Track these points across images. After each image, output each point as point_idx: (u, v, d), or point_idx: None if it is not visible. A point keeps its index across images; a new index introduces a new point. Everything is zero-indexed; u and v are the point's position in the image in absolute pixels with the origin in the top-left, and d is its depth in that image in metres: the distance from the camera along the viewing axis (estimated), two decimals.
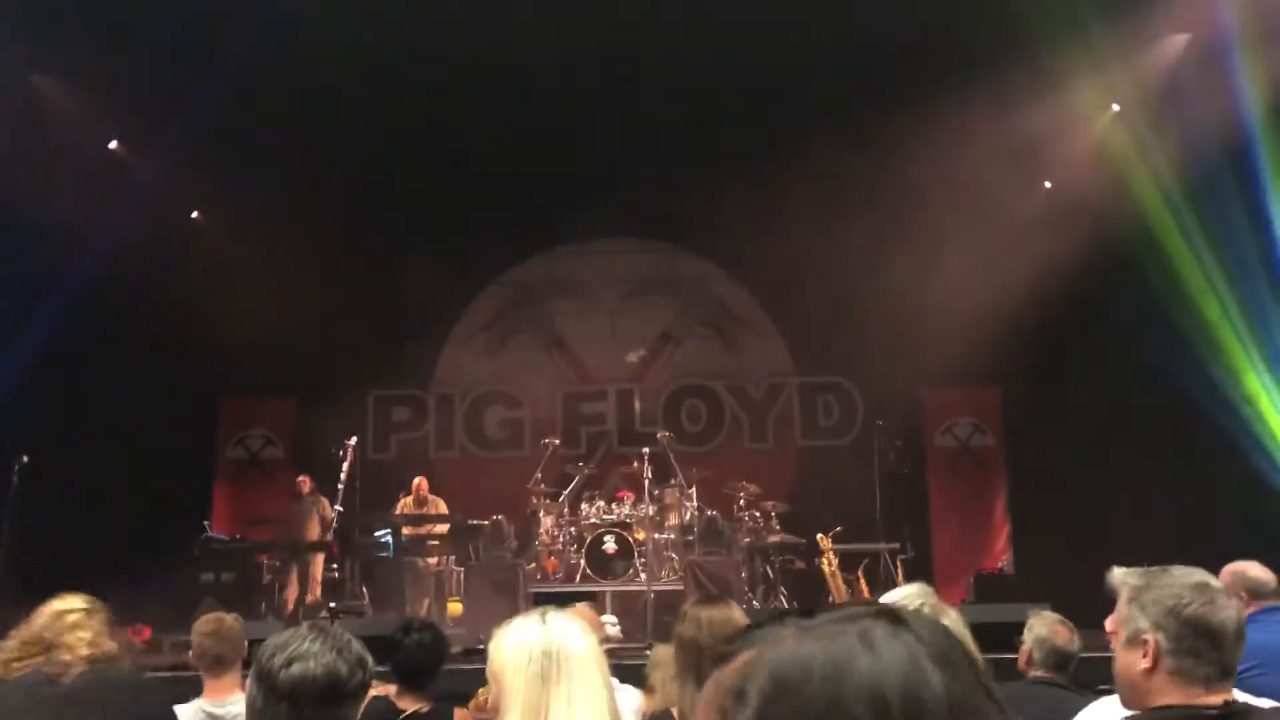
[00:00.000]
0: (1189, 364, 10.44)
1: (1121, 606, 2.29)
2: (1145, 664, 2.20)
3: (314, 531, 11.01)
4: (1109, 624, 2.34)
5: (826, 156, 10.19)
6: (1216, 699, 2.18)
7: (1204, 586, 2.24)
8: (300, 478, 11.31)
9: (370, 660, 2.30)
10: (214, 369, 12.24)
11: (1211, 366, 10.42)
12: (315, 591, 10.74)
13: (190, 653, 4.23)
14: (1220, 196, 9.95)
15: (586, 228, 13.33)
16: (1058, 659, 3.75)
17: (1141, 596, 2.25)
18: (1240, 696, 2.41)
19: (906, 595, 2.31)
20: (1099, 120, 11.02)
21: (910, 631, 0.91)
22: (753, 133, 11.37)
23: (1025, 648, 3.85)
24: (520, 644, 2.41)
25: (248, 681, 2.25)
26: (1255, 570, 4.39)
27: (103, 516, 10.67)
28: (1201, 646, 2.17)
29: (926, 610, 2.18)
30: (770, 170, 10.78)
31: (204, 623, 4.13)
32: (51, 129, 10.13)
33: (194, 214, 12.15)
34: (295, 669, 2.11)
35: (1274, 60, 9.08)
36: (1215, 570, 4.47)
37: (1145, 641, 2.20)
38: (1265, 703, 2.38)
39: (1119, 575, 2.33)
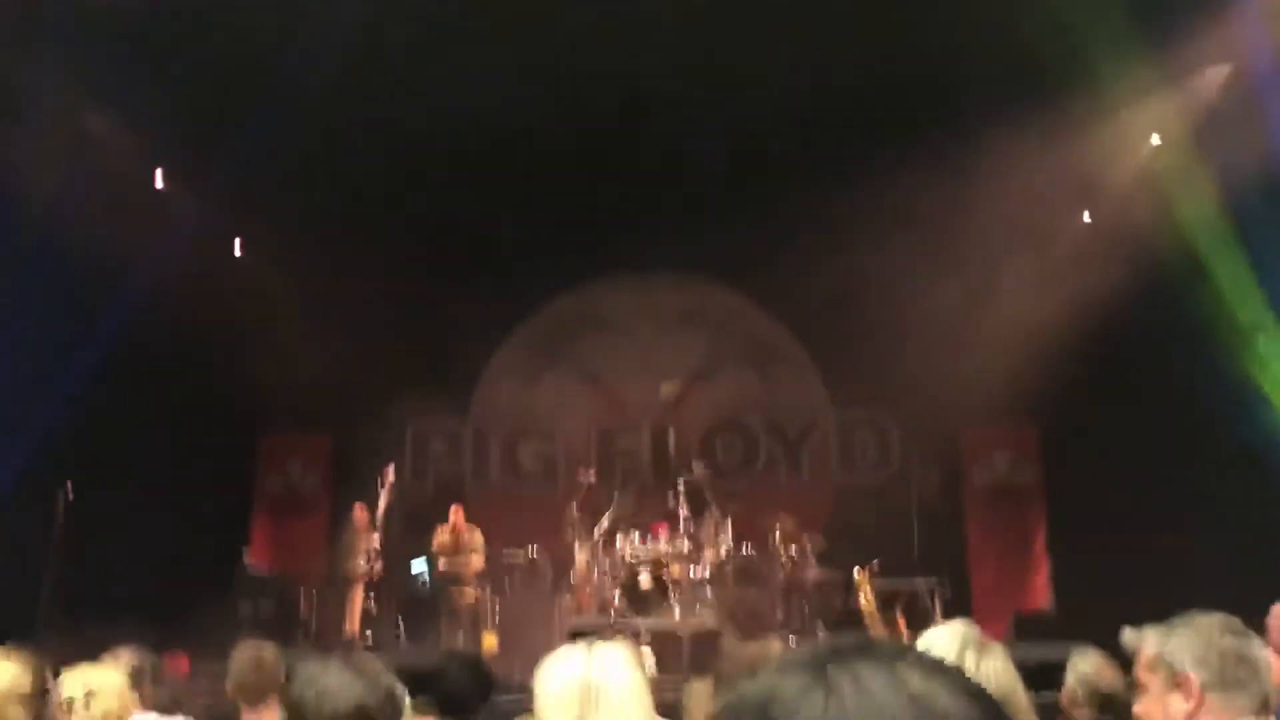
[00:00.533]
0: (1235, 401, 10.29)
1: (1149, 656, 2.28)
2: (1189, 705, 2.18)
3: (360, 564, 11.01)
4: (1140, 674, 2.32)
5: (865, 190, 10.19)
6: None
7: (1229, 621, 2.27)
8: (357, 506, 11.13)
9: (402, 692, 2.32)
10: (254, 401, 12.36)
11: (1258, 403, 10.26)
12: (354, 624, 10.74)
13: (228, 683, 4.25)
14: (1262, 227, 9.83)
15: (621, 262, 13.39)
16: (1104, 699, 3.68)
17: (1172, 641, 2.25)
18: None
19: (949, 634, 2.28)
20: (1141, 152, 10.93)
21: (904, 683, 0.82)
22: (790, 166, 11.38)
23: (1070, 687, 3.79)
24: (562, 675, 2.42)
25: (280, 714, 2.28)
26: None
27: (143, 548, 10.76)
28: (1245, 675, 2.18)
29: (970, 651, 2.15)
30: (807, 204, 10.78)
31: (242, 654, 4.15)
32: (97, 162, 10.32)
33: (236, 247, 12.31)
34: (326, 705, 2.14)
35: None
36: (1267, 605, 4.42)
37: (1187, 681, 2.19)
38: None
39: (1133, 634, 2.34)
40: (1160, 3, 8.89)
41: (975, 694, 0.84)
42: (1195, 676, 2.19)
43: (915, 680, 0.82)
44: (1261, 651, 2.23)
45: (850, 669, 0.83)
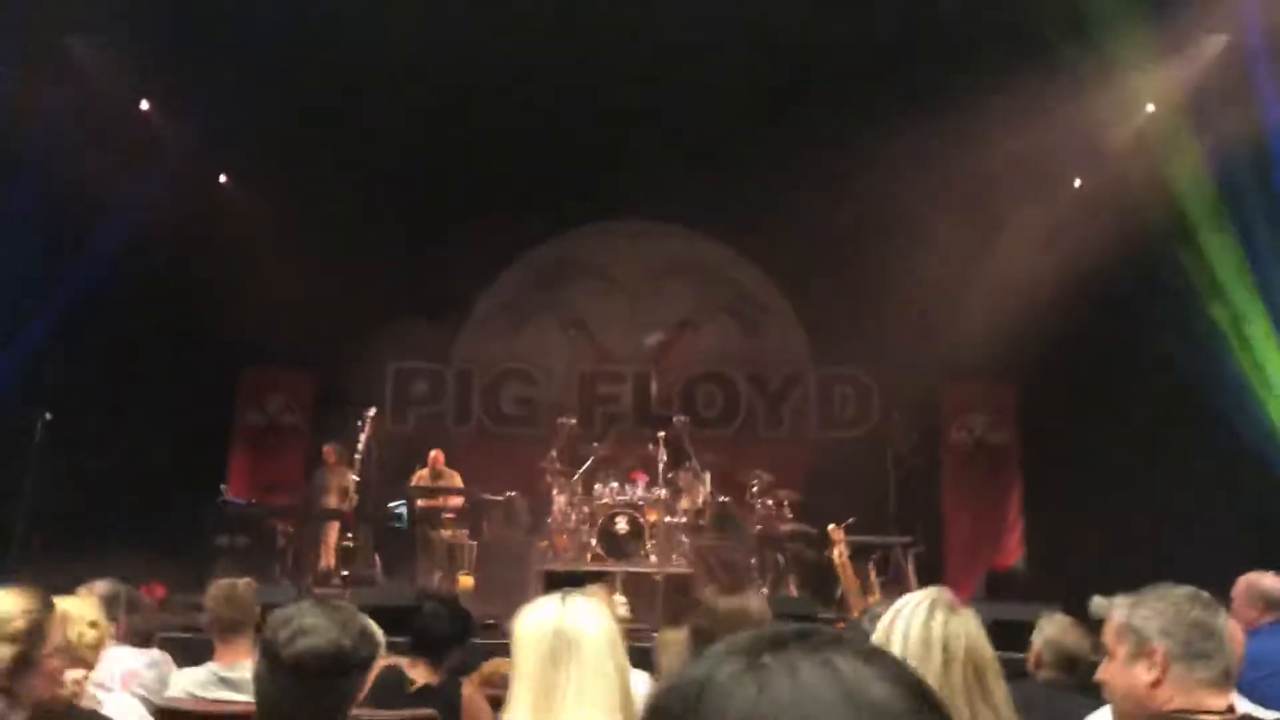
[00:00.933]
0: (1212, 366, 10.37)
1: (1117, 624, 2.30)
2: (1153, 675, 2.21)
3: (332, 501, 11.08)
4: (1108, 641, 2.35)
5: (854, 146, 10.15)
6: (1221, 703, 2.19)
7: (1197, 594, 2.29)
8: (326, 447, 11.32)
9: (378, 634, 2.33)
10: (236, 335, 12.29)
11: (1236, 368, 10.34)
12: (329, 558, 10.83)
13: (202, 615, 4.28)
14: (1250, 199, 9.85)
15: (608, 210, 13.34)
16: (1068, 661, 3.75)
17: (1139, 610, 2.28)
18: (1244, 704, 2.42)
19: (921, 595, 2.32)
20: (1132, 120, 10.91)
21: (838, 673, 0.81)
22: (778, 119, 11.31)
23: (1036, 648, 3.85)
24: (535, 623, 2.45)
25: (256, 653, 2.28)
26: (1270, 581, 4.40)
27: (122, 477, 10.76)
28: (1210, 648, 2.21)
29: (940, 612, 2.18)
30: (796, 158, 10.73)
31: (218, 588, 4.17)
32: (83, 89, 10.16)
33: (221, 179, 12.19)
34: (300, 644, 2.15)
35: None
36: (1234, 576, 4.49)
37: (1153, 651, 2.21)
38: (1270, 714, 2.39)
39: (1101, 602, 2.36)
40: None
41: (910, 683, 0.83)
42: (1161, 647, 2.21)
43: (850, 669, 0.82)
44: (1224, 619, 2.26)
45: (785, 658, 0.82)
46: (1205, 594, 2.30)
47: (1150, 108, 10.70)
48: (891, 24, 9.79)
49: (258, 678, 2.27)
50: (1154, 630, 2.23)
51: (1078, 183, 11.61)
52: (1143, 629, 2.24)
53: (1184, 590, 2.30)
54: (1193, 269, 10.41)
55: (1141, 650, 2.23)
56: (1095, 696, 2.76)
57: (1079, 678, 3.72)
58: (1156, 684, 2.20)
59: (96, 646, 3.23)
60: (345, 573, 9.01)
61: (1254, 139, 9.51)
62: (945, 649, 2.11)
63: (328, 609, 2.25)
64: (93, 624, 3.21)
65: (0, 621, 2.46)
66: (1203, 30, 9.80)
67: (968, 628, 2.18)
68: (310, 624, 2.18)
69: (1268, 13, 9.06)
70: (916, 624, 2.19)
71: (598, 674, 2.37)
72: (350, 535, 10.35)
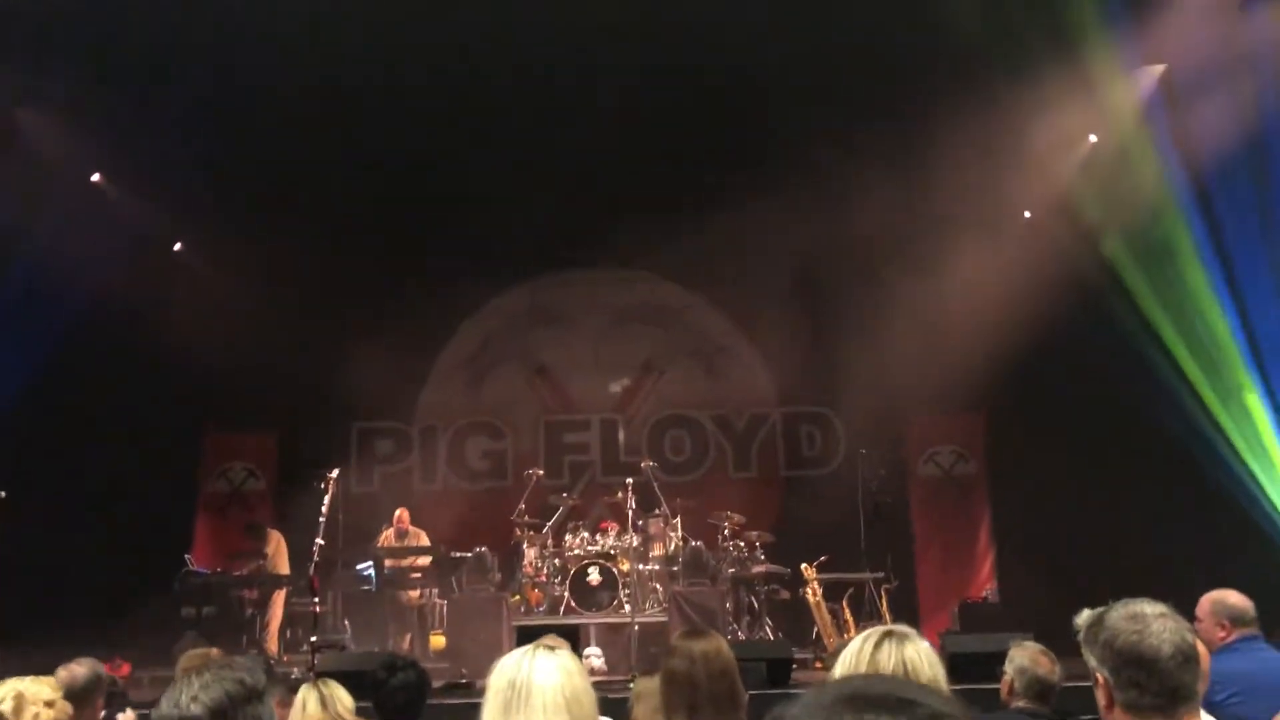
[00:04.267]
0: (1163, 393, 10.54)
1: (1083, 647, 2.30)
2: (1104, 701, 2.20)
3: (277, 570, 10.95)
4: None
5: (807, 187, 10.28)
6: None
7: (1136, 616, 2.21)
8: (271, 534, 11.22)
9: (258, 684, 2.13)
10: (197, 402, 12.19)
11: (1182, 396, 10.51)
12: (274, 626, 10.68)
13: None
14: (1191, 228, 10.07)
15: (568, 257, 13.37)
16: (1039, 689, 3.75)
17: (1088, 635, 2.26)
18: None
19: (869, 633, 2.39)
20: (1077, 150, 11.14)
21: None
22: (734, 162, 11.44)
23: (1007, 678, 3.85)
24: (496, 675, 2.51)
25: None
26: (1233, 598, 4.42)
27: (83, 550, 10.57)
28: (1140, 676, 2.14)
29: (889, 643, 2.23)
30: (751, 200, 10.84)
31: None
32: (34, 160, 10.12)
33: (176, 246, 12.12)
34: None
35: (1245, 95, 9.21)
36: (1198, 597, 4.51)
37: (1098, 679, 2.21)
38: None
39: (1082, 618, 2.34)
40: (1099, 4, 9.05)
41: None
42: (1101, 675, 2.20)
43: None
44: (1158, 640, 2.16)
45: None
46: (1152, 612, 2.21)
47: (1093, 138, 10.94)
48: (847, 68, 9.95)
49: None
50: (1094, 659, 2.21)
51: (1027, 214, 11.81)
52: (1087, 657, 2.24)
53: (1127, 611, 2.22)
54: (1140, 296, 10.60)
55: (1092, 676, 2.24)
56: None
57: (1052, 705, 3.73)
58: (1109, 708, 2.20)
59: None
60: (314, 639, 8.84)
61: (1195, 164, 9.74)
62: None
63: (203, 675, 2.07)
64: (49, 704, 3.15)
65: None
66: (1141, 60, 10.06)
67: (917, 656, 2.21)
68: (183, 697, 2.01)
69: (1202, 43, 9.30)
70: (866, 653, 2.23)
71: None
72: (317, 600, 10.18)
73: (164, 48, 9.26)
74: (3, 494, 8.96)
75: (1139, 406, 10.66)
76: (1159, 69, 10.23)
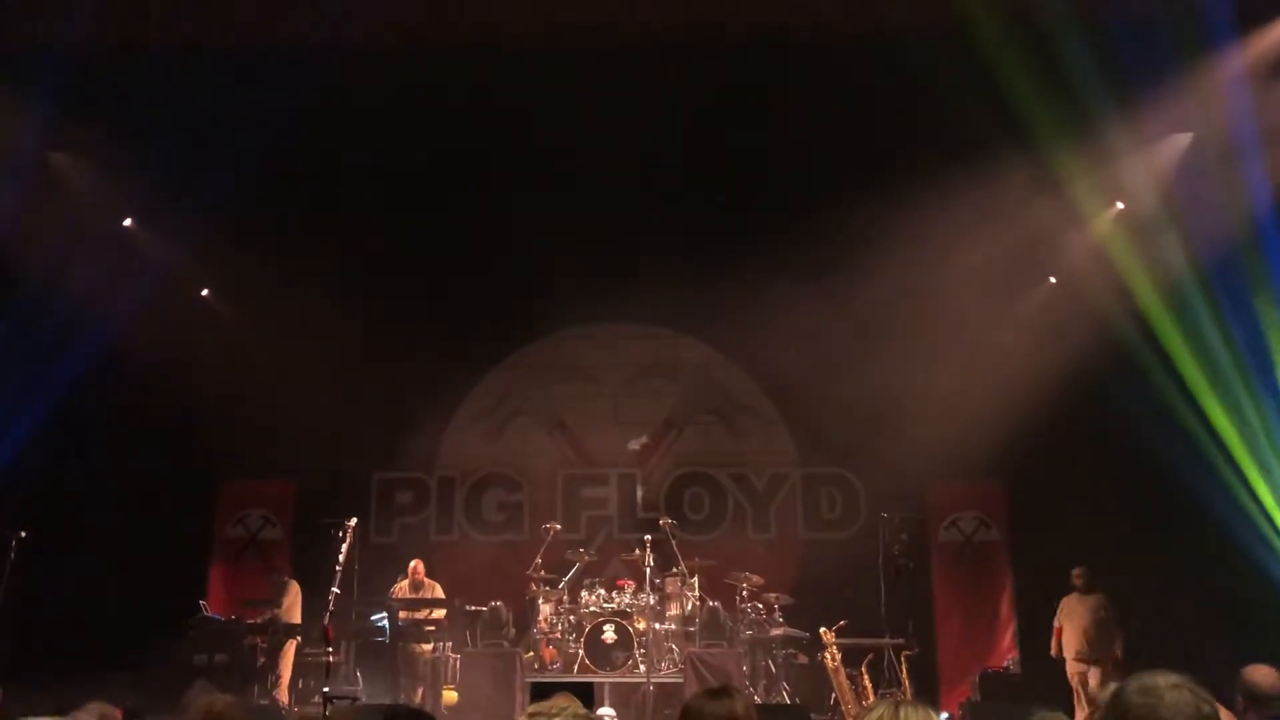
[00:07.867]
0: (1193, 460, 10.40)
1: None
2: None
3: (290, 619, 10.88)
4: None
5: (833, 246, 10.30)
6: None
7: (1148, 689, 2.12)
8: (290, 583, 11.17)
9: None
10: (216, 448, 12.20)
11: (1215, 463, 10.36)
12: (285, 676, 10.60)
13: None
14: (1218, 296, 10.01)
15: (590, 312, 13.39)
16: None
17: (1108, 713, 2.18)
18: None
19: (884, 705, 2.37)
20: (1103, 217, 11.14)
21: None
22: (758, 221, 11.49)
23: None
24: None
25: None
26: (1260, 675, 4.28)
27: (99, 595, 10.55)
28: None
29: (904, 709, 2.20)
30: (776, 259, 10.87)
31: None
32: (66, 205, 10.26)
33: (203, 292, 12.24)
34: None
35: (1275, 161, 9.21)
36: (1227, 668, 4.39)
37: None
38: None
39: (1104, 694, 2.29)
40: (1125, 72, 9.10)
41: None
42: None
43: None
44: (1168, 714, 2.04)
45: None
46: (1165, 684, 2.12)
47: (1120, 205, 10.93)
48: (871, 130, 10.02)
49: None
50: None
51: (1052, 279, 11.78)
52: None
53: (1140, 684, 2.14)
54: (1169, 363, 10.51)
55: None
56: None
57: None
58: None
59: None
60: (326, 689, 8.75)
61: (1224, 233, 9.71)
62: None
63: None
64: None
65: None
66: (1168, 128, 10.08)
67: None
68: None
69: (1230, 110, 9.32)
70: None
71: None
72: (331, 651, 10.10)
73: (201, 93, 9.41)
74: (23, 534, 8.95)
75: (1166, 475, 10.52)
76: (1186, 137, 10.24)
